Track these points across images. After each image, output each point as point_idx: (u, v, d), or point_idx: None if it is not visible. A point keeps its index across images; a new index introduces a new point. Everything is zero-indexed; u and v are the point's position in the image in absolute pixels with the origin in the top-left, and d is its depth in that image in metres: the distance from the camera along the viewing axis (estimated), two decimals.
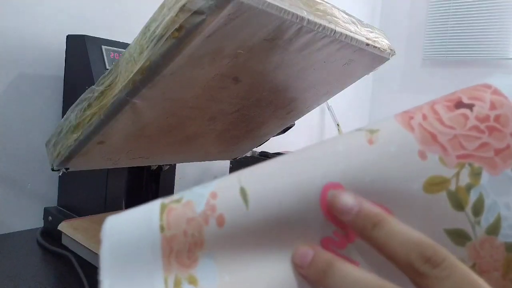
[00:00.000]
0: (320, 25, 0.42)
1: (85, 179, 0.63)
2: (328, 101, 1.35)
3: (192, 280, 0.20)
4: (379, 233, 0.19)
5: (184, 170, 0.95)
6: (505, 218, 0.19)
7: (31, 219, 0.68)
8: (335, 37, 0.46)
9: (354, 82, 0.64)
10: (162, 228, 0.21)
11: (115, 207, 0.62)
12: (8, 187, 0.66)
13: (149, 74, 0.37)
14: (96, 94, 0.42)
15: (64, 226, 0.54)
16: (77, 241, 0.51)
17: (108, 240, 0.21)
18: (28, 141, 0.68)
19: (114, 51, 0.63)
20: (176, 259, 0.20)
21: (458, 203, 0.19)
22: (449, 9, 1.79)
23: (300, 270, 0.20)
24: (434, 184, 0.19)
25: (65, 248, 0.54)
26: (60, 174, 0.50)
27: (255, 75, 0.48)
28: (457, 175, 0.19)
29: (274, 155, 0.88)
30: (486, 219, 0.19)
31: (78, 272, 0.48)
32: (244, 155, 0.78)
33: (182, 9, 0.33)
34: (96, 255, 0.48)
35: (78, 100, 0.44)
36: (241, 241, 0.20)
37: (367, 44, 0.52)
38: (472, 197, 0.19)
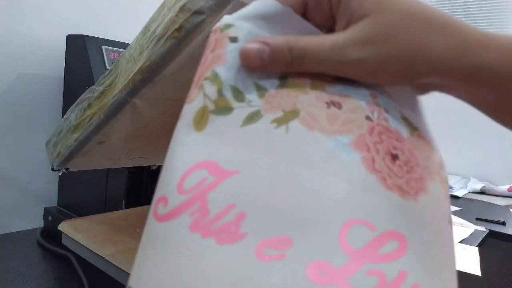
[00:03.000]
0: None
1: (85, 179, 0.63)
2: None
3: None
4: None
5: None
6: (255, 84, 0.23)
7: (31, 219, 0.68)
8: None
9: None
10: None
11: (115, 207, 0.62)
12: (8, 187, 0.66)
13: (149, 74, 0.37)
14: (96, 94, 0.42)
15: (64, 226, 0.54)
16: (77, 241, 0.51)
17: None
18: (28, 141, 0.68)
19: (114, 51, 0.63)
20: None
21: (226, 109, 0.22)
22: (449, 9, 1.79)
23: (264, 68, 0.22)
24: (198, 119, 0.22)
25: (65, 248, 0.54)
26: (60, 174, 0.50)
27: None
28: (204, 95, 0.22)
29: None
30: (249, 94, 0.22)
31: (78, 272, 0.48)
32: None
33: (182, 9, 0.33)
34: (96, 256, 0.48)
35: (78, 100, 0.44)
36: None
37: None
38: (227, 93, 0.22)
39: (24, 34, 0.66)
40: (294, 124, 0.21)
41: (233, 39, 0.22)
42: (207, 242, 0.18)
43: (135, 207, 0.64)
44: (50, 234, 0.60)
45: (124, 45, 0.64)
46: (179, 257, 0.19)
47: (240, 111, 0.21)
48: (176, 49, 0.35)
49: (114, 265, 0.45)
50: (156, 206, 0.20)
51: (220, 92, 0.22)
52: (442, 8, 1.81)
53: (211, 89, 0.22)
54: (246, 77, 0.22)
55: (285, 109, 0.21)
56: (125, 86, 0.39)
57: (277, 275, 0.17)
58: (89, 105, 0.43)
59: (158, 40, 0.35)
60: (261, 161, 0.20)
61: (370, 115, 0.22)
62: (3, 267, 0.50)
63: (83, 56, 0.61)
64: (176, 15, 0.34)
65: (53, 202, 0.70)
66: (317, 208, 0.19)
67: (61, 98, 0.69)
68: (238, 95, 0.22)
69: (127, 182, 0.65)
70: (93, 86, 0.42)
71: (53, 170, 0.50)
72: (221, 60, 0.22)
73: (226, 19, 0.23)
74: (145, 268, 0.19)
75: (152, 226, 0.20)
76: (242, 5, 0.34)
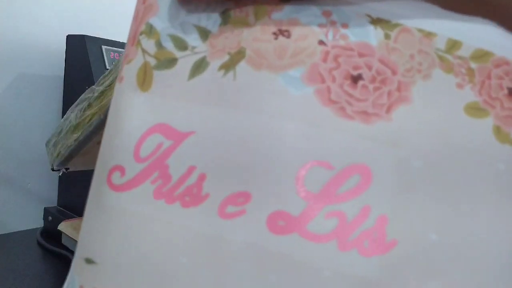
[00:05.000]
0: None
1: (85, 179, 0.62)
2: None
3: None
4: None
5: None
6: None
7: (31, 219, 0.68)
8: None
9: None
10: None
11: None
12: (8, 187, 0.66)
13: None
14: (96, 94, 0.42)
15: (64, 226, 0.54)
16: (77, 241, 0.51)
17: None
18: (28, 141, 0.68)
19: (114, 51, 0.63)
20: None
21: (169, 61, 0.20)
22: None
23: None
24: (142, 78, 0.20)
25: (65, 248, 0.54)
26: (60, 174, 0.50)
27: None
28: (142, 51, 0.20)
29: None
30: (192, 40, 0.20)
31: None
32: None
33: None
34: None
35: (78, 100, 0.44)
36: None
37: None
38: (167, 44, 0.20)
39: (24, 34, 0.66)
40: (241, 66, 0.19)
41: None
42: (172, 207, 0.18)
43: None
44: (50, 234, 0.60)
45: (124, 45, 0.64)
46: (145, 225, 0.18)
47: (185, 60, 0.19)
48: None
49: None
50: (110, 175, 0.19)
51: (159, 44, 0.20)
52: None
53: (148, 43, 0.20)
54: (185, 21, 0.20)
55: (230, 51, 0.19)
56: None
57: (239, 231, 0.17)
58: (89, 105, 0.43)
59: None
60: (214, 116, 0.19)
61: (324, 39, 0.19)
62: (3, 267, 0.50)
63: (83, 56, 0.61)
64: None
65: (53, 202, 0.70)
66: (271, 156, 0.18)
67: (61, 98, 0.69)
68: (180, 43, 0.20)
69: None
70: (93, 86, 0.42)
71: (53, 170, 0.50)
72: (153, 10, 0.20)
73: None
74: (107, 240, 0.19)
75: (106, 196, 0.19)
76: None
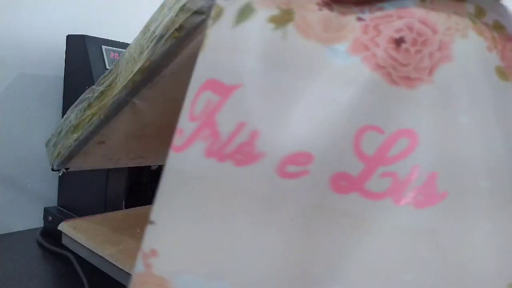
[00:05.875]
0: None
1: (85, 179, 0.63)
2: None
3: None
4: None
5: None
6: None
7: (31, 219, 0.68)
8: None
9: None
10: None
11: (115, 207, 0.62)
12: (8, 187, 0.66)
13: (149, 74, 0.37)
14: (96, 94, 0.42)
15: (64, 226, 0.54)
16: (77, 241, 0.51)
17: None
18: (28, 141, 0.67)
19: (114, 51, 0.63)
20: None
21: (218, 15, 0.21)
22: None
23: None
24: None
25: (65, 248, 0.54)
26: (60, 174, 0.50)
27: None
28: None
29: None
30: None
31: (78, 272, 0.48)
32: None
33: (182, 9, 0.33)
34: (96, 256, 0.48)
35: (78, 100, 0.44)
36: None
37: None
38: (220, 1, 0.21)
39: (24, 34, 0.66)
40: (291, 29, 0.19)
41: None
42: (224, 166, 0.18)
43: (135, 207, 0.64)
44: (50, 234, 0.60)
45: (124, 45, 0.64)
46: (196, 184, 0.18)
47: (230, 7, 0.20)
48: (176, 49, 0.35)
49: (114, 265, 0.45)
50: (174, 138, 0.20)
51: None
52: None
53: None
54: None
55: (280, 5, 0.19)
56: (125, 86, 0.39)
57: (303, 190, 0.18)
58: (89, 105, 0.43)
59: (158, 40, 0.35)
60: (262, 70, 0.19)
61: (361, 15, 0.20)
62: (3, 267, 0.50)
63: (83, 56, 0.61)
64: (176, 15, 0.34)
65: (53, 202, 0.70)
66: (329, 119, 0.18)
67: (61, 98, 0.69)
68: None
69: (127, 182, 0.65)
70: (93, 86, 0.42)
71: (53, 170, 0.50)
72: None
73: None
74: (163, 201, 0.19)
75: (170, 158, 0.20)
76: None
